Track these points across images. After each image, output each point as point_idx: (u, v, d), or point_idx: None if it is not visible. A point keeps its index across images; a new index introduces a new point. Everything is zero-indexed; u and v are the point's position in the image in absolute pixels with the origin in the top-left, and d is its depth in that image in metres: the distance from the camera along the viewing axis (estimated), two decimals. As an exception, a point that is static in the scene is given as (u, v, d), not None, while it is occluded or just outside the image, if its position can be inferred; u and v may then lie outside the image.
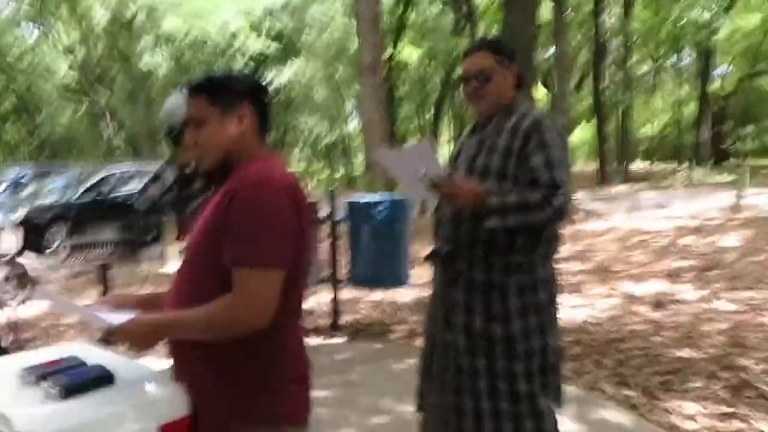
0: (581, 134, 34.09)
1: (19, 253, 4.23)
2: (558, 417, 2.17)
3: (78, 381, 1.39)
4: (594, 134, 22.11)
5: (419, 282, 6.46)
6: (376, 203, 4.63)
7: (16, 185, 13.14)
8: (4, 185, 13.05)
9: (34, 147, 31.93)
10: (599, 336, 4.61)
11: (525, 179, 1.93)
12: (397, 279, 4.86)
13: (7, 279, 4.10)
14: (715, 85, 25.37)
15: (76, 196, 9.86)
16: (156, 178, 2.27)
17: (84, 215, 9.06)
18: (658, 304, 5.46)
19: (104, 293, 4.57)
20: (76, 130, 33.82)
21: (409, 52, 21.46)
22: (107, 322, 1.40)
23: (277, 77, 24.57)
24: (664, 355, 4.11)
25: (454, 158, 2.22)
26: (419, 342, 4.59)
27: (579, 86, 27.40)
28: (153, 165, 13.28)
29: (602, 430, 3.03)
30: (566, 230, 11.29)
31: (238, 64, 24.42)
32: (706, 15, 19.07)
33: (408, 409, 3.33)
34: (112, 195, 10.10)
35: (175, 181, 2.71)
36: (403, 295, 6.04)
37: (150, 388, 1.46)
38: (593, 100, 20.25)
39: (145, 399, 1.42)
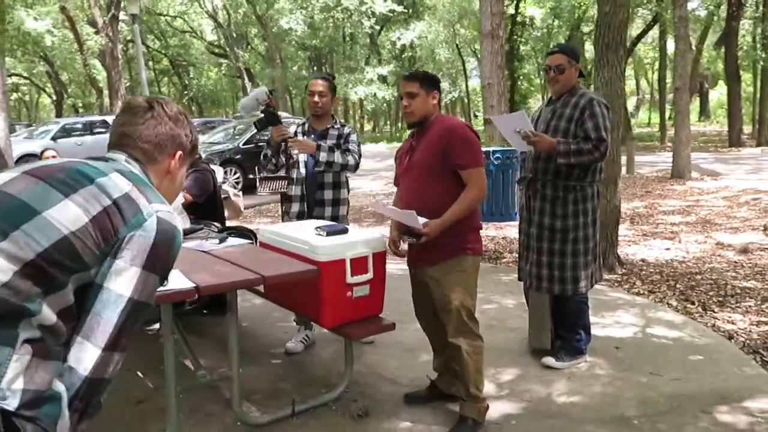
0: (720, 94, 31.96)
1: (222, 182, 5.83)
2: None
3: (332, 229, 2.81)
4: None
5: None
6: (495, 152, 5.66)
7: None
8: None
9: (185, 102, 35.55)
10: (680, 270, 5.45)
11: (581, 135, 3.11)
12: (507, 215, 5.90)
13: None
14: None
15: (242, 142, 11.87)
16: (268, 143, 3.06)
17: (249, 158, 11.08)
18: (744, 250, 6.11)
19: (284, 216, 6.07)
20: (219, 87, 37.28)
21: (532, 13, 21.56)
22: (418, 224, 2.59)
23: (402, 37, 25.69)
24: (730, 285, 4.92)
25: (535, 120, 3.34)
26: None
27: (720, 43, 25.96)
28: (296, 117, 15.23)
29: (656, 322, 4.01)
30: (677, 187, 11.80)
31: (365, 25, 25.79)
32: None
33: (509, 301, 4.52)
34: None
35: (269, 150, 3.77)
36: (513, 231, 7.13)
37: (366, 234, 2.87)
38: (724, 57, 19.49)
39: (364, 238, 2.83)
